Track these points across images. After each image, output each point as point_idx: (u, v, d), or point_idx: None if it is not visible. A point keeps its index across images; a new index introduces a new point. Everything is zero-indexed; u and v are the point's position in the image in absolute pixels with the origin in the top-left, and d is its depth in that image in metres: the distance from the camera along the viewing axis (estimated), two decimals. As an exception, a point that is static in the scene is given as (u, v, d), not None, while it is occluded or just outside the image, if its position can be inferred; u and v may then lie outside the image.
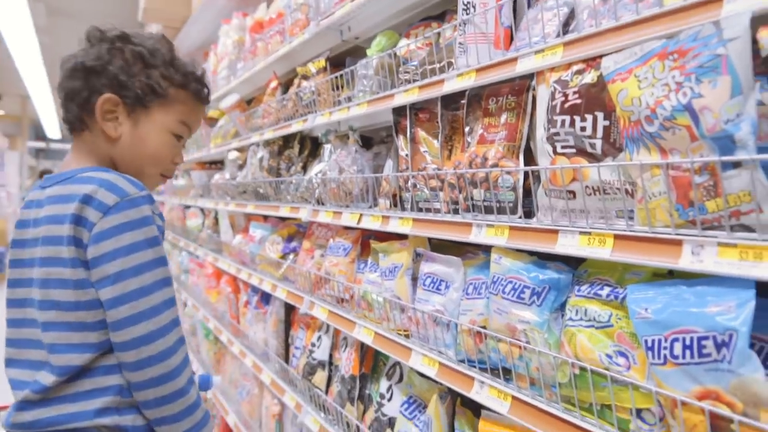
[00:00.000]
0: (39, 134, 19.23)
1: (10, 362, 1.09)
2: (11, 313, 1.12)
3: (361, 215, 1.86)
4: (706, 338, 0.85)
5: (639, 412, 0.98)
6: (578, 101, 1.07)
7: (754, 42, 0.83)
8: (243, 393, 3.22)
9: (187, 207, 4.55)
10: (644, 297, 0.96)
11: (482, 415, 1.35)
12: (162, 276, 1.05)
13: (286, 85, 2.74)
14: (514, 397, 1.24)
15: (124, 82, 1.13)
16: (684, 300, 0.91)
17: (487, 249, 1.54)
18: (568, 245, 1.10)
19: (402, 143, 1.72)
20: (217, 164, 4.16)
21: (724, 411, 0.83)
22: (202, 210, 4.26)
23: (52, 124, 15.67)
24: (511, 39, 1.35)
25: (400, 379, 1.80)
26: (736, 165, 0.81)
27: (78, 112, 1.15)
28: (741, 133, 0.79)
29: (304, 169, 2.53)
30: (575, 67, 1.10)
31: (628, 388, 0.97)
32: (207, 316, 3.76)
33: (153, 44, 1.19)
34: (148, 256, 1.04)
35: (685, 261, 0.89)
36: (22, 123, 15.25)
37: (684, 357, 0.87)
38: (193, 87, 1.23)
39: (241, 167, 3.25)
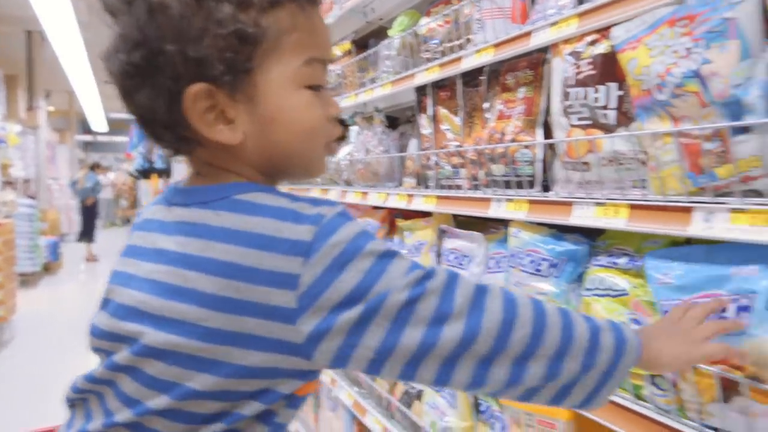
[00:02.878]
0: (86, 128, 20.00)
1: None
2: None
3: (387, 195, 1.90)
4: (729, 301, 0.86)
5: (653, 378, 0.99)
6: (592, 72, 1.07)
7: (765, 4, 0.82)
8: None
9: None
10: (664, 263, 0.98)
11: (505, 385, 1.37)
12: None
13: (314, 70, 2.78)
14: (534, 368, 1.26)
15: (197, 56, 0.69)
16: (705, 265, 0.92)
17: (507, 225, 1.55)
18: (583, 216, 1.11)
19: (425, 122, 1.74)
20: (252, 150, 4.26)
21: (734, 375, 0.83)
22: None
23: (98, 117, 16.26)
24: (528, 11, 1.34)
25: (428, 354, 1.85)
26: (746, 130, 0.81)
27: (172, 135, 0.75)
28: (750, 98, 0.79)
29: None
30: (588, 38, 1.10)
31: (643, 355, 0.98)
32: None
33: None
34: None
35: (696, 228, 0.89)
36: (70, 118, 15.89)
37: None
38: None
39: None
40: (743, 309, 0.86)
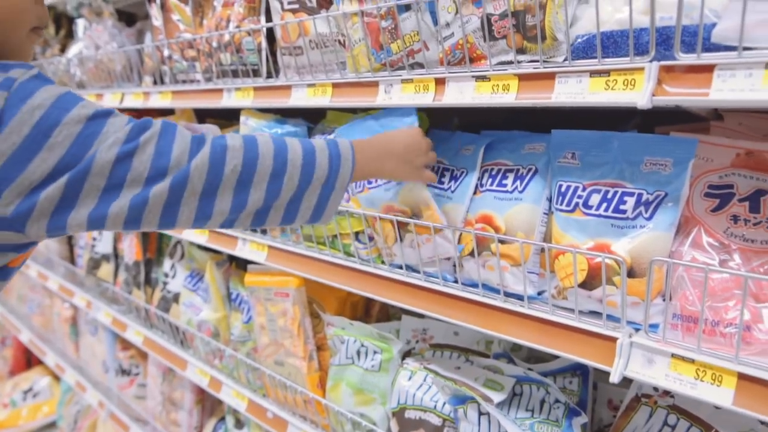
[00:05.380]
0: None
1: None
2: None
3: (123, 94, 1.77)
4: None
5: (357, 235, 1.15)
6: (295, -45, 1.12)
7: None
8: (33, 307, 3.01)
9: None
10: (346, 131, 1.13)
11: (248, 269, 1.46)
12: None
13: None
14: (269, 247, 1.36)
15: None
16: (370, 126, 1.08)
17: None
18: (299, 98, 1.19)
19: (155, 12, 1.63)
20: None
21: (402, 217, 1.02)
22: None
23: None
24: None
25: (182, 257, 1.85)
26: (408, 8, 0.94)
27: None
28: (408, -23, 0.91)
29: (63, 52, 2.27)
30: None
31: (347, 216, 1.13)
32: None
33: None
34: None
35: (380, 99, 1.03)
36: None
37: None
38: None
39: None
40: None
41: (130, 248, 1.99)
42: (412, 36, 0.96)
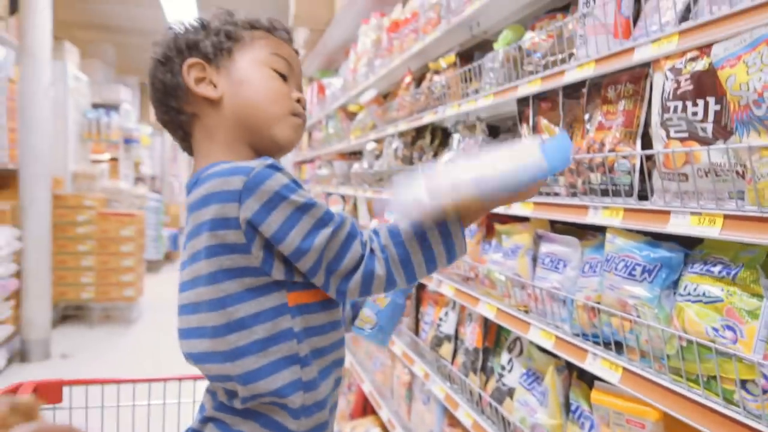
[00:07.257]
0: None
1: None
2: None
3: (485, 199, 2.00)
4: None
5: (744, 383, 1.02)
6: (690, 87, 1.12)
7: None
8: (377, 364, 3.52)
9: (329, 194, 4.99)
10: None
11: (595, 385, 1.43)
12: None
13: (419, 80, 2.94)
14: (624, 369, 1.31)
15: (193, 42, 1.08)
16: None
17: (604, 231, 1.60)
18: (679, 225, 1.16)
19: (525, 131, 1.83)
20: (356, 155, 4.52)
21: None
22: (342, 197, 4.66)
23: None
24: (632, 28, 1.40)
25: (520, 353, 1.93)
26: (844, 145, 0.84)
27: (175, 102, 1.08)
28: None
29: (435, 157, 2.72)
30: (689, 55, 1.14)
31: (733, 360, 1.02)
32: (346, 293, 4.13)
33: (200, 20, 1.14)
34: None
35: (792, 238, 0.92)
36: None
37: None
38: (261, 23, 1.14)
39: (377, 157, 3.53)
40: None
41: (472, 334, 2.18)
42: None
